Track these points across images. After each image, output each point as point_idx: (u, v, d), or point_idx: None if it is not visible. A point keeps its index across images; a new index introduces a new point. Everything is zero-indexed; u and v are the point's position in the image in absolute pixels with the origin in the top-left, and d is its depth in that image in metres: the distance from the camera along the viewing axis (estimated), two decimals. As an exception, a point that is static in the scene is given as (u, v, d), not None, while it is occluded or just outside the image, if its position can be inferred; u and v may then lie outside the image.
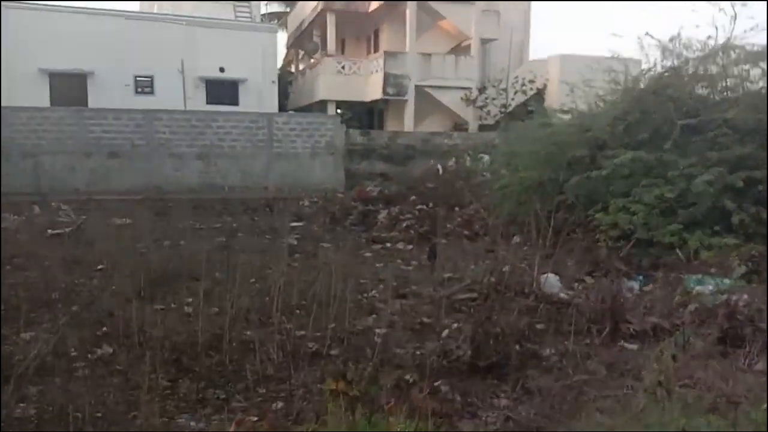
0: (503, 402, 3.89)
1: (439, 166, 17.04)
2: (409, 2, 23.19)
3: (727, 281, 6.48)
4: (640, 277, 6.92)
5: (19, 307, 5.45)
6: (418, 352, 4.90)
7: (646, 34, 10.19)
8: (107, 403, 3.93)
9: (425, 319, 5.81)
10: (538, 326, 5.66)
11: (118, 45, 21.63)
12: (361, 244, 10.61)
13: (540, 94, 24.42)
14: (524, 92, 23.75)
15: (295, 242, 11.10)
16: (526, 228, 10.64)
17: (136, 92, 22.56)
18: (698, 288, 6.31)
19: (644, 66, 11.12)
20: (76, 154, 18.30)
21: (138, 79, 22.60)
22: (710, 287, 6.19)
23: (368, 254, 9.73)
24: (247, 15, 26.49)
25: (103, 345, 4.97)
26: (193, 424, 3.71)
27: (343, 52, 30.31)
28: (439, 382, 4.20)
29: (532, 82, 23.65)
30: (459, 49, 25.58)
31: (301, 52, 33.51)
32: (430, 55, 23.97)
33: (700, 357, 4.81)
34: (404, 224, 12.01)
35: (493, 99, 23.97)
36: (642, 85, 10.41)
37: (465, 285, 6.55)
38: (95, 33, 21.30)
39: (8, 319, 5.49)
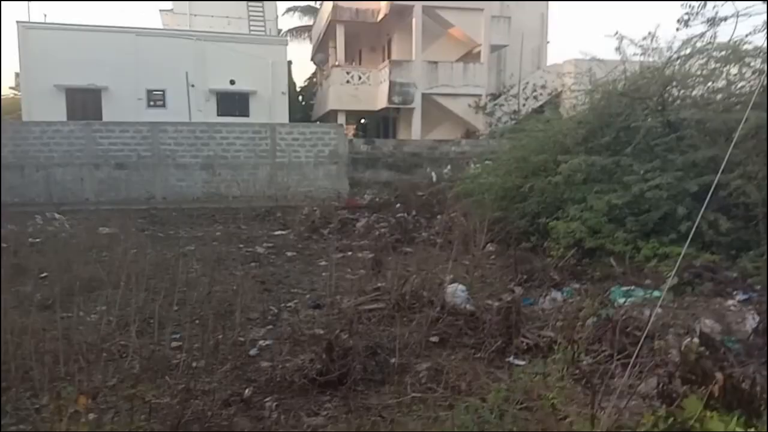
0: (318, 420, 3.68)
1: (433, 174, 16.78)
2: (415, 11, 23.05)
3: (656, 293, 6.05)
4: (567, 289, 6.53)
5: None
6: (281, 366, 4.73)
7: (615, 33, 9.69)
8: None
9: (318, 331, 5.62)
10: (432, 339, 5.41)
11: (131, 60, 22.28)
12: (325, 252, 10.49)
13: (556, 99, 23.83)
14: (536, 98, 23.20)
15: (263, 251, 11.11)
16: (495, 236, 10.41)
17: (149, 105, 23.14)
18: (620, 300, 5.92)
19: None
20: (85, 165, 18.83)
21: (150, 92, 23.16)
22: (632, 299, 5.79)
23: (323, 263, 9.59)
24: (261, 29, 26.91)
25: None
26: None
27: (360, 62, 30.42)
28: (268, 398, 4.02)
29: (543, 87, 23.08)
30: (470, 56, 25.25)
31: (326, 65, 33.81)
32: (436, 62, 23.72)
33: (580, 375, 4.49)
34: (377, 232, 11.84)
35: (501, 105, 23.50)
36: (613, 87, 9.96)
37: (374, 295, 6.32)
38: (109, 49, 22.01)
39: None
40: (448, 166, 17.78)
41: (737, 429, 2.11)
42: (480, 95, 23.82)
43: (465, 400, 3.96)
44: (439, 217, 12.86)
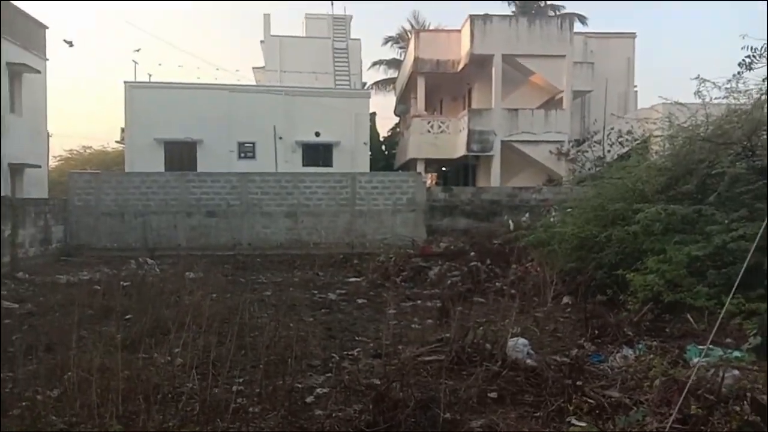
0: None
1: (511, 222, 16.48)
2: (495, 60, 23.21)
3: (736, 353, 5.59)
4: (640, 346, 6.15)
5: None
6: (333, 415, 4.74)
7: (697, 76, 9.30)
8: None
9: (375, 381, 5.60)
10: (491, 395, 5.24)
11: (224, 115, 23.80)
12: (394, 300, 10.48)
13: (643, 146, 22.97)
14: (621, 144, 22.49)
15: (335, 297, 11.28)
16: (571, 287, 10.04)
17: (239, 157, 24.46)
18: (695, 359, 5.51)
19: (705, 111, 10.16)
20: (179, 213, 20.00)
21: (241, 144, 24.53)
22: (708, 359, 5.37)
23: (392, 311, 9.59)
24: (346, 83, 28.00)
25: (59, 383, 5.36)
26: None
27: (441, 111, 30.85)
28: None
29: (629, 133, 22.35)
30: (553, 103, 24.99)
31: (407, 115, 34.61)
32: (516, 110, 23.63)
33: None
34: (449, 281, 11.73)
35: (585, 152, 22.93)
36: (695, 132, 9.51)
37: (435, 346, 6.24)
38: (205, 105, 23.67)
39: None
40: (527, 214, 17.44)
41: None
42: (562, 142, 23.40)
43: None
44: (513, 267, 12.58)
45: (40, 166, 22.12)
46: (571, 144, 23.84)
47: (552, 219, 14.42)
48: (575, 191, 19.68)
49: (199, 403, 4.80)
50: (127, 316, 8.54)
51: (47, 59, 22.35)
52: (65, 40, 24.84)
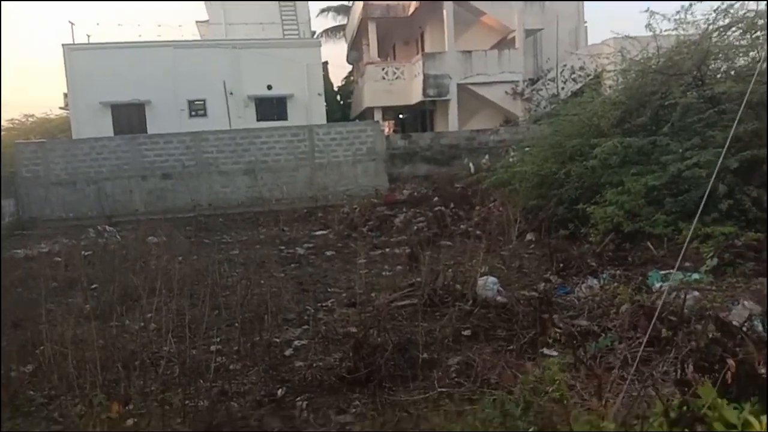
0: (346, 418, 3.74)
1: (471, 165, 16.62)
2: (445, 3, 22.86)
3: (695, 276, 5.87)
4: (604, 275, 6.39)
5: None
6: (314, 365, 4.82)
7: (647, 9, 9.39)
8: None
9: (351, 330, 5.69)
10: (465, 333, 5.40)
11: (171, 73, 22.93)
12: (363, 250, 10.55)
13: (596, 81, 23.22)
14: (575, 80, 22.69)
15: (303, 251, 11.29)
16: (534, 224, 10.28)
17: (191, 115, 23.75)
18: (657, 284, 5.77)
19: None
20: (133, 177, 19.45)
21: (191, 102, 23.79)
22: (669, 283, 5.62)
23: (362, 261, 9.67)
24: (295, 32, 27.20)
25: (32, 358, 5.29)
26: None
27: (394, 57, 30.41)
28: (299, 397, 4.11)
29: (582, 69, 22.53)
30: (505, 43, 24.89)
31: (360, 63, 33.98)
32: (470, 52, 23.47)
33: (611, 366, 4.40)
34: (415, 227, 11.85)
35: (539, 91, 23.09)
36: (647, 65, 9.66)
37: (408, 291, 6.35)
38: (149, 64, 22.73)
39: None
40: (486, 156, 17.60)
41: (749, 417, 2.04)
42: (517, 81, 23.46)
43: (492, 394, 3.96)
44: (477, 208, 12.76)
45: (-20, 139, 21.09)
46: (525, 83, 23.91)
47: (511, 159, 14.60)
48: (532, 130, 19.92)
49: (178, 366, 4.81)
50: (93, 286, 8.38)
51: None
52: None
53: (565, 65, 23.48)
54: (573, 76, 22.93)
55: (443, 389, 3.99)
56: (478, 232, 11.15)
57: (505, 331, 5.37)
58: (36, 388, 4.70)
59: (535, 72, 26.10)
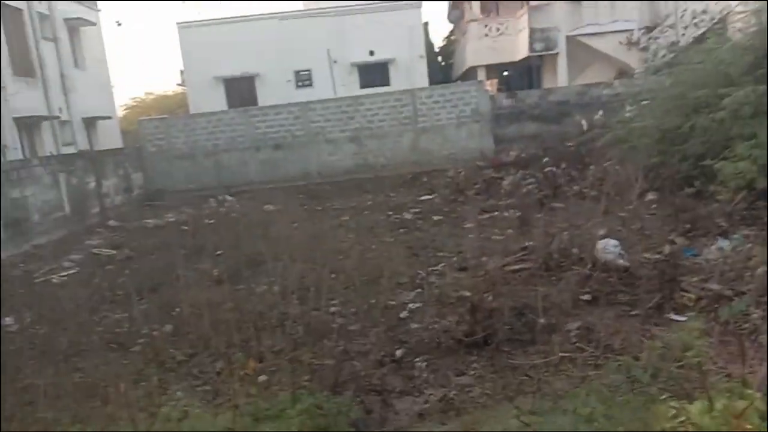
0: (465, 380, 3.79)
1: (584, 122, 15.85)
2: (553, -49, 21.67)
3: None
4: (736, 236, 5.93)
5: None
6: (430, 327, 4.90)
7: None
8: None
9: (464, 293, 5.70)
10: (584, 297, 5.25)
11: (276, 45, 23.62)
12: (470, 214, 10.48)
13: (720, 25, 21.18)
14: (696, 25, 20.79)
15: (410, 217, 11.39)
16: (656, 183, 9.71)
17: (297, 86, 24.43)
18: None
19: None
20: (248, 149, 20.41)
21: (297, 73, 24.42)
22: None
23: (469, 225, 9.61)
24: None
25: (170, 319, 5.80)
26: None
27: (498, 13, 29.32)
28: (418, 358, 4.21)
29: (705, 12, 20.57)
30: (618, -11, 23.22)
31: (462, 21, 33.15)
32: (579, 1, 22.14)
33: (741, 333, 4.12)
34: (524, 190, 11.56)
35: (657, 39, 21.41)
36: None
37: (521, 255, 6.25)
38: (256, 37, 23.52)
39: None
40: (600, 112, 16.66)
41: None
42: (632, 30, 21.91)
43: (616, 359, 3.84)
44: (591, 168, 12.21)
45: (110, 117, 22.91)
46: (641, 32, 22.27)
47: (628, 114, 13.76)
48: (650, 82, 18.58)
49: (302, 327, 5.07)
50: (218, 252, 8.97)
51: (99, 10, 22.64)
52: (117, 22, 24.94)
53: (685, 10, 21.55)
54: (695, 20, 21.00)
55: (564, 354, 3.92)
56: (593, 193, 10.72)
57: (627, 295, 5.17)
58: (176, 347, 5.15)
59: (652, 19, 24.15)
